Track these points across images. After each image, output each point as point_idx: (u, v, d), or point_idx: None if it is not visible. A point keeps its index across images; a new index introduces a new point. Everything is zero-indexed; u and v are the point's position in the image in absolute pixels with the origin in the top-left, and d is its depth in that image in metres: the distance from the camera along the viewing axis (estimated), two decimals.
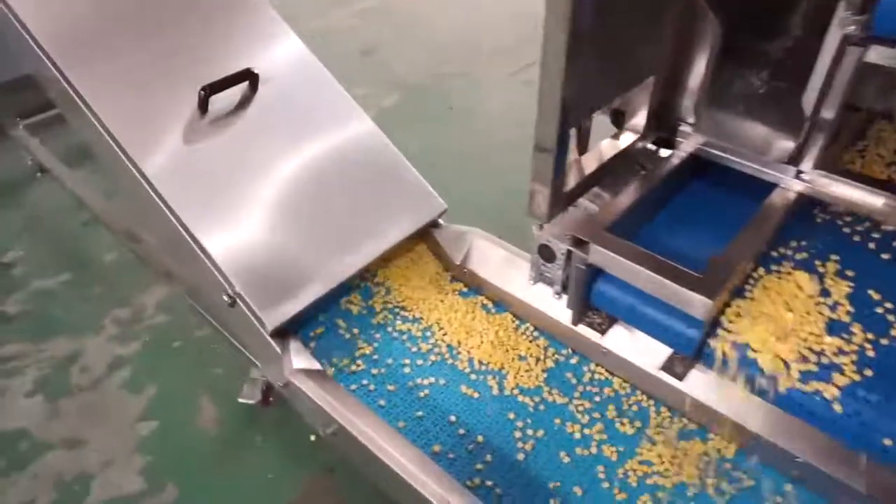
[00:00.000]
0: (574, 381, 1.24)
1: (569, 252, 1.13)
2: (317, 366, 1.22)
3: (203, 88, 1.30)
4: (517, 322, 1.36)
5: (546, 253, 1.17)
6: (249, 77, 1.38)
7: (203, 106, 1.32)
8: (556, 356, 1.29)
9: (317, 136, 1.43)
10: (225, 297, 1.22)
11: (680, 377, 1.11)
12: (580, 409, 1.20)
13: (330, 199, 1.36)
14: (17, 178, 2.28)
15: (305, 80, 1.49)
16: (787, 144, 1.13)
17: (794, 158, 1.13)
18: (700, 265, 0.99)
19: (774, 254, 1.09)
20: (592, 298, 1.14)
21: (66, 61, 1.29)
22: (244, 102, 1.40)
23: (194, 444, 1.43)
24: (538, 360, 1.29)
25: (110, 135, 1.25)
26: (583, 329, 1.23)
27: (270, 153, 1.37)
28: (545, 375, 1.26)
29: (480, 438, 1.15)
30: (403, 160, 1.47)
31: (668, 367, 1.13)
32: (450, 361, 1.29)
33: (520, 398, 1.22)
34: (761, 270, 1.05)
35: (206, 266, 1.22)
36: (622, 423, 1.16)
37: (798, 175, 1.13)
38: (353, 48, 3.12)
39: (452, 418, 1.18)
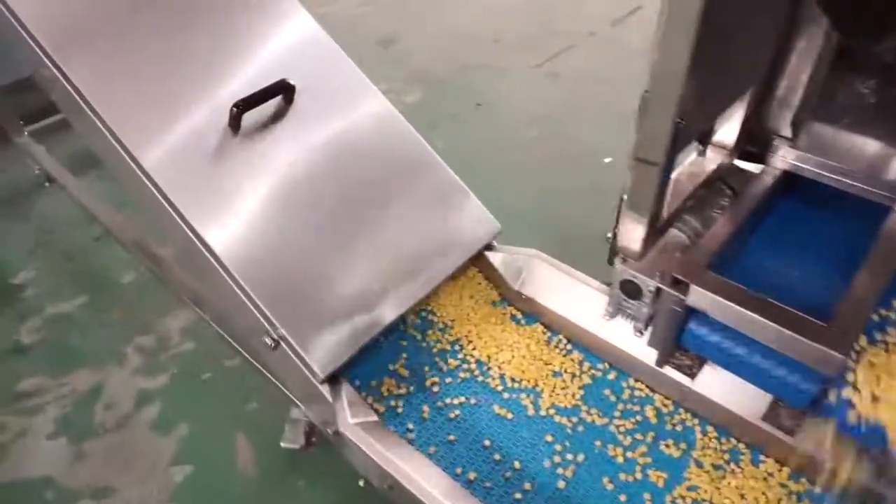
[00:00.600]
0: (613, 398, 1.16)
1: (658, 289, 1.01)
2: (373, 417, 1.10)
3: (236, 105, 1.16)
4: (549, 334, 1.27)
5: (631, 289, 1.05)
6: (285, 90, 1.23)
7: (235, 123, 1.18)
8: (593, 371, 1.20)
9: (359, 153, 1.29)
10: (267, 340, 1.10)
11: (790, 432, 0.98)
12: (621, 429, 1.11)
13: (377, 224, 1.23)
14: (23, 188, 2.15)
15: (342, 88, 1.35)
16: None
17: None
18: (809, 302, 0.87)
19: None
20: (685, 340, 1.01)
21: (71, 62, 1.14)
22: (278, 116, 1.26)
23: (233, 491, 1.32)
24: (574, 375, 1.20)
25: (128, 153, 1.11)
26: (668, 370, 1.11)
27: (309, 175, 1.23)
28: (582, 393, 1.17)
29: (517, 464, 1.06)
30: (454, 177, 1.34)
31: (772, 417, 1.01)
32: (480, 378, 1.19)
33: (556, 418, 1.13)
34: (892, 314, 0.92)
35: (245, 305, 1.10)
36: (667, 445, 1.08)
37: None
38: (369, 38, 2.95)
39: (487, 442, 1.10)
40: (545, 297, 1.28)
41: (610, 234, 1.91)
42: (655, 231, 0.94)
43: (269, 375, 1.30)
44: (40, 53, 1.16)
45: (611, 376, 1.20)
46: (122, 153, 1.13)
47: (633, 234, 0.94)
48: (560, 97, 2.58)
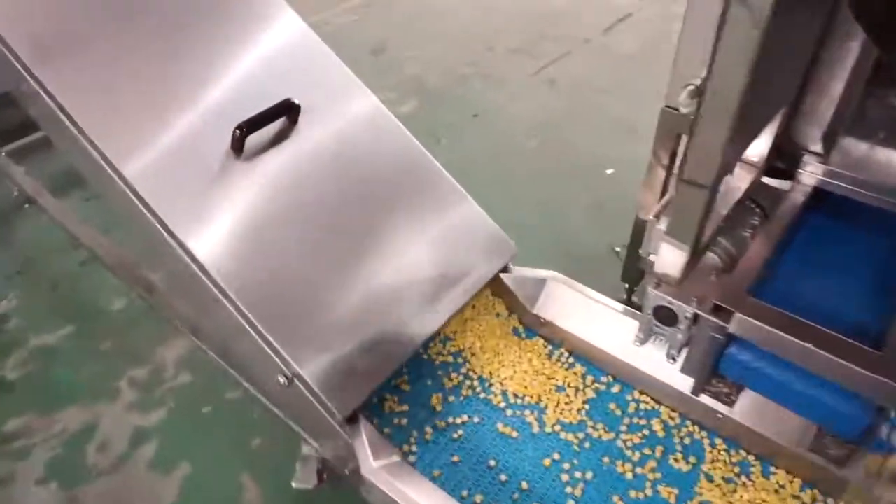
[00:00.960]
0: (619, 412, 1.14)
1: (696, 316, 0.96)
2: (396, 457, 1.04)
3: (239, 127, 1.09)
4: (549, 347, 1.24)
5: (666, 315, 1.00)
6: (290, 109, 1.17)
7: (238, 146, 1.11)
8: (596, 384, 1.18)
9: (368, 175, 1.22)
10: (280, 379, 1.03)
11: (840, 463, 0.94)
12: (629, 444, 1.09)
13: (391, 251, 1.16)
14: (2, 210, 2.04)
15: (346, 104, 1.28)
16: None
17: None
18: (853, 325, 0.84)
19: None
20: (724, 368, 0.97)
21: (54, 77, 1.06)
22: (281, 136, 1.19)
23: None
24: (577, 389, 1.18)
25: (119, 174, 1.03)
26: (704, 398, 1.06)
27: (318, 199, 1.16)
28: (587, 407, 1.15)
29: (525, 485, 1.04)
30: (467, 197, 1.28)
31: (818, 448, 0.96)
32: (482, 395, 1.16)
33: (562, 435, 1.11)
34: None
35: (256, 342, 1.03)
36: (676, 459, 1.07)
37: None
38: (360, 48, 2.89)
39: (492, 462, 1.07)
40: (566, 322, 1.23)
41: (618, 248, 1.88)
42: (697, 253, 0.89)
43: (276, 410, 1.23)
44: (20, 68, 1.07)
45: (615, 389, 1.17)
46: (112, 174, 1.05)
47: (673, 260, 0.89)
48: (558, 106, 2.54)
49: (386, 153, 1.27)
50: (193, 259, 1.03)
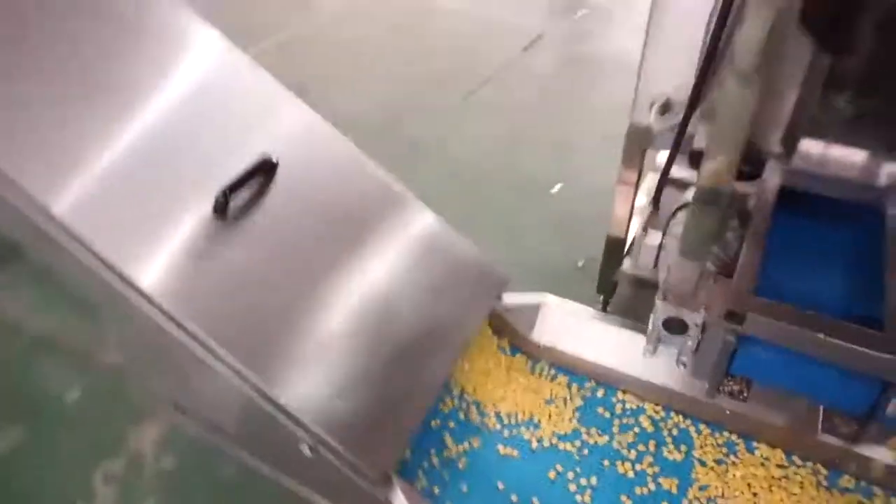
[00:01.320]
0: (608, 415, 1.20)
1: (704, 322, 1.01)
2: None
3: (225, 191, 1.03)
4: (531, 362, 1.29)
5: (676, 326, 1.04)
6: (269, 168, 1.12)
7: (223, 209, 1.05)
8: (581, 391, 1.24)
9: (353, 224, 1.20)
10: (304, 449, 0.97)
11: (851, 438, 1.01)
12: (623, 444, 1.15)
13: (389, 299, 1.14)
14: None
15: (318, 148, 1.26)
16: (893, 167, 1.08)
17: None
18: (846, 309, 0.93)
19: None
20: (738, 368, 1.02)
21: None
22: (260, 193, 1.14)
23: None
24: (566, 400, 1.22)
25: (82, 242, 0.94)
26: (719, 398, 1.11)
27: (306, 254, 1.13)
28: (578, 415, 1.20)
29: (536, 501, 1.08)
30: (451, 232, 1.28)
31: (830, 428, 1.03)
32: (478, 419, 1.18)
33: (560, 446, 1.15)
34: None
35: (273, 415, 0.97)
36: (669, 451, 1.14)
37: None
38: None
39: (500, 485, 1.10)
40: (568, 344, 1.25)
41: (580, 263, 1.94)
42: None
43: (289, 482, 1.17)
44: None
45: (600, 393, 1.23)
46: (71, 242, 0.95)
47: (687, 275, 0.93)
48: (492, 130, 2.60)
49: (365, 195, 1.25)
50: (189, 332, 0.96)
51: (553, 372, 1.26)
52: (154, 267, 0.98)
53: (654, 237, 1.16)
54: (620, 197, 1.40)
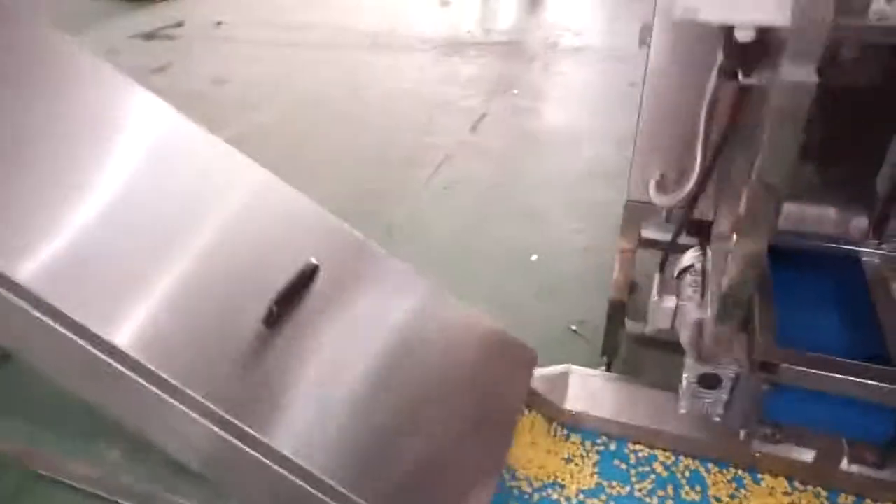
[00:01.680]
0: (624, 466, 1.28)
1: (737, 375, 1.11)
2: None
3: (276, 302, 1.06)
4: (546, 424, 1.35)
5: (711, 381, 1.13)
6: (314, 272, 1.15)
7: (273, 320, 1.07)
8: (596, 447, 1.31)
9: (391, 321, 1.24)
10: None
11: (880, 466, 1.12)
12: (643, 491, 1.23)
13: (436, 394, 1.17)
14: None
15: (343, 248, 1.30)
16: (862, 221, 1.25)
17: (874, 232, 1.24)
18: (849, 352, 1.05)
19: None
20: (772, 413, 1.12)
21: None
22: (301, 298, 1.17)
23: None
24: (583, 457, 1.30)
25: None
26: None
27: (352, 359, 1.15)
28: (597, 470, 1.27)
29: None
30: (481, 316, 1.34)
31: (857, 458, 1.14)
32: (510, 484, 1.24)
33: (587, 502, 1.21)
34: None
35: None
36: (686, 492, 1.23)
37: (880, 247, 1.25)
38: None
39: None
40: (600, 410, 1.32)
41: (573, 327, 2.04)
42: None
43: None
44: None
45: (612, 447, 1.32)
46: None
47: (720, 336, 1.03)
48: (461, 206, 2.72)
49: (396, 293, 1.30)
50: (269, 451, 0.95)
51: (565, 431, 1.33)
52: (205, 378, 0.98)
53: (669, 301, 1.27)
54: (620, 264, 1.52)
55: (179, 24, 4.88)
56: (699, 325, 1.15)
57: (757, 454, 1.23)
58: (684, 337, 1.19)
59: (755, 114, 1.07)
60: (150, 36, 4.69)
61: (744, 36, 0.84)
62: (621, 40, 4.27)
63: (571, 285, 2.21)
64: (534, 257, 2.35)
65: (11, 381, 1.62)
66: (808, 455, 1.19)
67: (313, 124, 3.45)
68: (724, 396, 1.15)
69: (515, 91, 3.68)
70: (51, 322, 0.91)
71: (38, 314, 0.91)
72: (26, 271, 0.91)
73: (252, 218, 1.24)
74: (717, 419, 1.20)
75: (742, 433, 1.18)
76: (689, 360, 1.13)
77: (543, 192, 2.79)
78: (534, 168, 3.03)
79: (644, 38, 1.32)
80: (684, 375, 1.16)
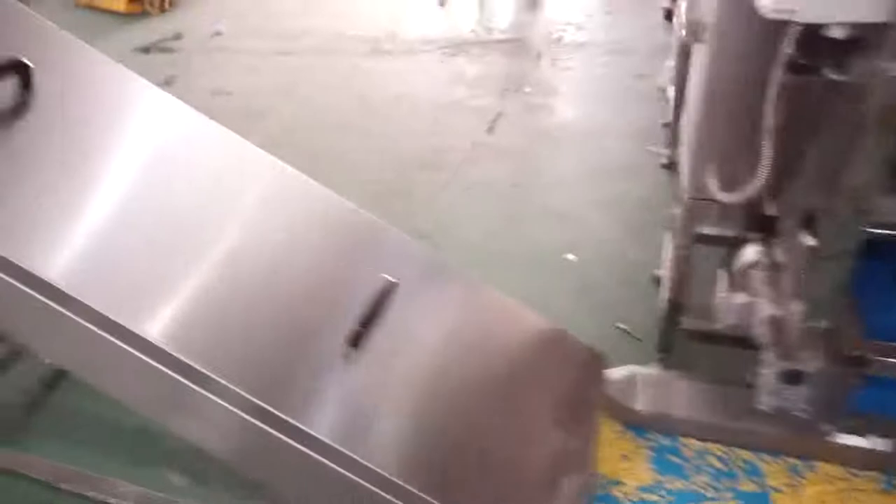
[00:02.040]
0: (679, 460, 1.28)
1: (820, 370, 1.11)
2: None
3: (363, 323, 1.05)
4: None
5: (794, 377, 1.13)
6: (389, 290, 1.14)
7: (357, 342, 1.06)
8: (649, 443, 1.31)
9: (464, 335, 1.23)
10: None
11: None
12: (702, 484, 1.23)
13: (515, 408, 1.16)
14: None
15: (412, 264, 1.29)
16: None
17: None
18: None
19: None
20: (862, 405, 1.12)
21: None
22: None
23: None
24: (636, 453, 1.30)
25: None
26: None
27: (428, 374, 1.14)
28: (653, 466, 1.27)
29: None
30: (541, 320, 1.34)
31: None
32: None
33: (647, 497, 1.21)
34: None
35: None
36: (744, 484, 1.22)
37: None
38: None
39: None
40: (676, 410, 1.32)
41: (621, 325, 2.03)
42: None
43: None
44: None
45: (666, 442, 1.31)
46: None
47: (804, 331, 1.03)
48: (488, 209, 2.70)
49: (465, 303, 1.29)
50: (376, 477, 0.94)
51: (618, 429, 1.33)
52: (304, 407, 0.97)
53: (739, 297, 1.26)
54: (676, 262, 1.51)
55: (177, 37, 4.82)
56: (776, 322, 1.15)
57: (842, 447, 1.22)
58: (760, 333, 1.19)
59: (832, 108, 1.07)
60: (148, 49, 4.64)
61: (839, 33, 0.83)
62: (620, 33, 4.28)
63: (608, 282, 2.21)
64: (570, 256, 2.34)
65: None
66: (886, 446, 1.19)
67: (322, 132, 3.42)
68: (808, 392, 1.15)
69: (528, 89, 3.67)
70: (125, 345, 0.89)
71: (116, 340, 0.90)
72: (80, 285, 0.90)
73: (304, 225, 1.24)
74: (801, 414, 1.20)
75: (829, 428, 1.18)
76: (767, 356, 1.13)
77: (566, 188, 2.79)
78: (553, 165, 3.03)
79: (696, 33, 1.31)
80: (763, 371, 1.16)
